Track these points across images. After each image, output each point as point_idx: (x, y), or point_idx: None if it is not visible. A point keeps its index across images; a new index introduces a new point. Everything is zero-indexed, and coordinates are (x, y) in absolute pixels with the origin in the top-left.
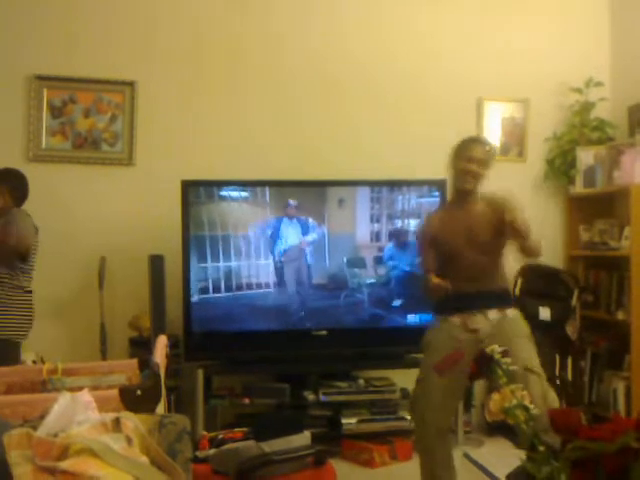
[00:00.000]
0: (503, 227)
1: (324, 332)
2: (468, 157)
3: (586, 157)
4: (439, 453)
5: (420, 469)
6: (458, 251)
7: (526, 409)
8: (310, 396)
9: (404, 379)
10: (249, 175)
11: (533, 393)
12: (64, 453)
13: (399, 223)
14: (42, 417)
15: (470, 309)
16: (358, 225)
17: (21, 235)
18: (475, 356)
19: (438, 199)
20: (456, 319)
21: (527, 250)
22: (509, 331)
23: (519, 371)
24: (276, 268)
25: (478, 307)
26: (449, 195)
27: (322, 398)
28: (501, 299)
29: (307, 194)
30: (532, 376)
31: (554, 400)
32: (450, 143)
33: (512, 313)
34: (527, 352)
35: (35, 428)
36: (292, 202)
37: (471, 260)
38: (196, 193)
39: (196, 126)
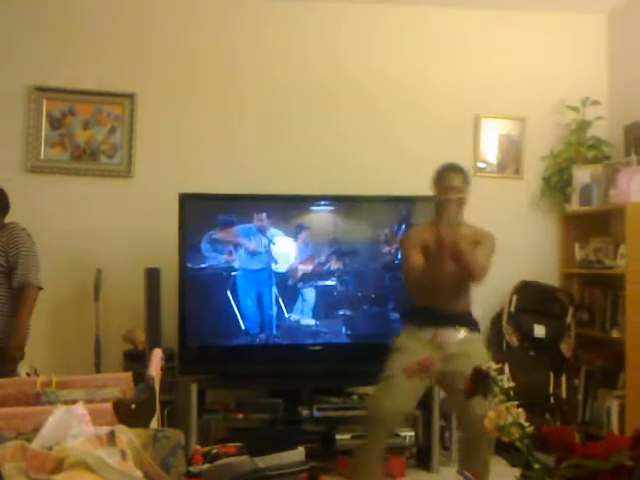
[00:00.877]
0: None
1: (319, 347)
2: (448, 187)
3: (582, 175)
4: (381, 447)
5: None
6: (441, 266)
7: (521, 427)
8: (304, 411)
9: None
10: (248, 189)
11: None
12: (58, 466)
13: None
14: (36, 430)
15: (442, 325)
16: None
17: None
18: (470, 373)
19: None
20: (427, 332)
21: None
22: (474, 355)
23: None
24: (272, 283)
25: (450, 324)
26: (434, 215)
27: (316, 414)
28: (469, 322)
29: (303, 209)
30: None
31: None
32: (448, 159)
33: (478, 337)
34: None
35: (29, 441)
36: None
37: (451, 276)
38: (194, 206)
39: (195, 139)
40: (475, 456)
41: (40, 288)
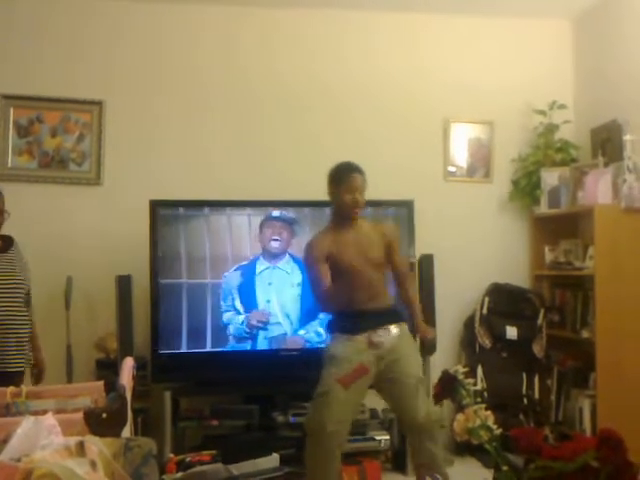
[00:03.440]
0: (388, 252)
1: (294, 352)
2: (352, 188)
3: (550, 178)
4: (335, 465)
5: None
6: (354, 269)
7: (490, 429)
8: (279, 417)
9: (373, 400)
10: (218, 195)
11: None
12: (27, 478)
13: None
14: (5, 441)
15: (374, 327)
16: None
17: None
18: (439, 377)
19: (406, 220)
20: (361, 337)
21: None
22: (405, 346)
23: (413, 381)
24: (246, 290)
25: (381, 324)
26: (332, 218)
27: (291, 419)
28: (396, 315)
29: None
30: (423, 385)
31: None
32: (418, 164)
33: (405, 328)
34: (418, 365)
35: None
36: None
37: (367, 277)
38: (164, 213)
39: (164, 146)
40: (424, 451)
41: None
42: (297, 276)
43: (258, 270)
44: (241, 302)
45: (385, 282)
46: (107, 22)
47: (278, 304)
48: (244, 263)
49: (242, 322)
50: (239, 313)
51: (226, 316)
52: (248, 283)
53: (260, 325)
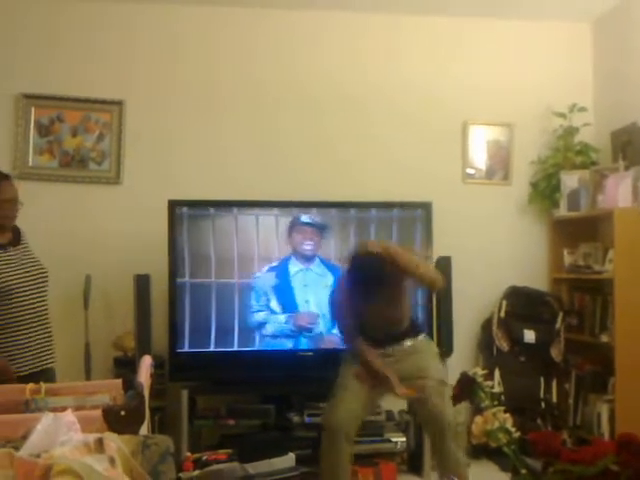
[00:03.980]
0: (399, 274)
1: (310, 353)
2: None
3: (570, 181)
4: (346, 456)
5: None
6: (367, 306)
7: (508, 432)
8: (295, 417)
9: (389, 401)
10: (236, 195)
11: (448, 401)
12: (46, 474)
13: None
14: (24, 437)
15: (383, 347)
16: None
17: None
18: (458, 379)
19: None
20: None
21: (424, 280)
22: (421, 351)
23: (433, 383)
24: (283, 291)
25: (390, 344)
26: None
27: (307, 419)
28: (407, 333)
29: (294, 215)
30: (446, 387)
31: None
32: (436, 166)
33: (422, 337)
34: (437, 368)
35: (17, 448)
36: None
37: (378, 312)
38: (183, 212)
39: (184, 145)
40: (444, 453)
41: None
42: (329, 278)
43: (292, 272)
44: (278, 302)
45: (401, 310)
46: (126, 23)
47: (315, 305)
48: (274, 264)
49: (286, 321)
50: (274, 313)
51: (259, 316)
52: (284, 284)
53: (309, 326)
